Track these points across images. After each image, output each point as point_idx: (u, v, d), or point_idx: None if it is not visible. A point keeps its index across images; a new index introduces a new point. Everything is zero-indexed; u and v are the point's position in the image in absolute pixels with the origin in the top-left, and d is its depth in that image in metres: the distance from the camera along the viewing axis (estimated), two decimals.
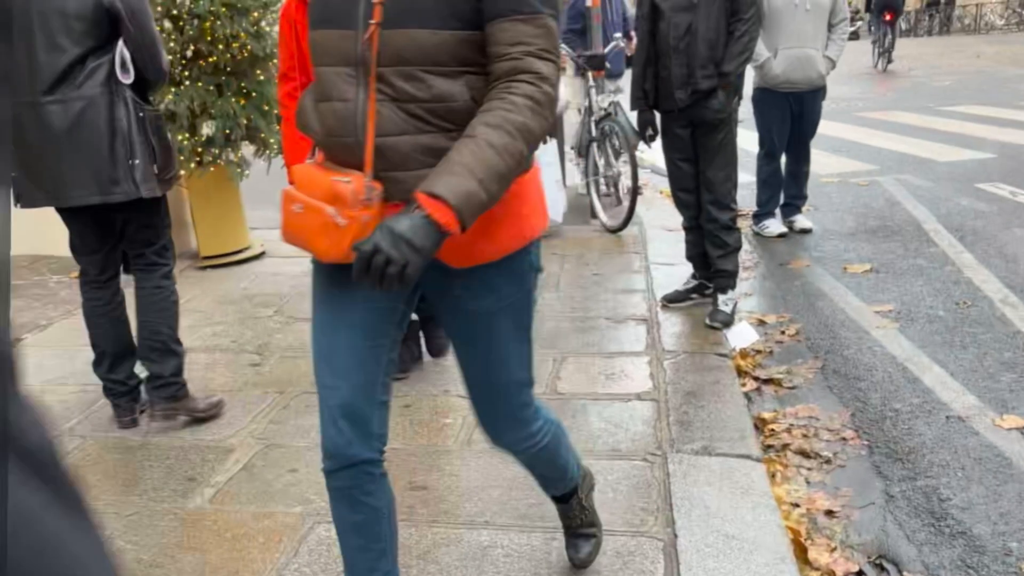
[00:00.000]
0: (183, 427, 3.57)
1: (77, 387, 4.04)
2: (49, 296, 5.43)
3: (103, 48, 3.19)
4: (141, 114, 3.26)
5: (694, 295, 4.86)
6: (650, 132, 4.70)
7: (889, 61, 20.65)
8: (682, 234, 5.01)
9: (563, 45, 7.01)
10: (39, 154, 3.17)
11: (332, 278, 1.91)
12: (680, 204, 4.79)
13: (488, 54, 1.74)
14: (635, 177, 6.19)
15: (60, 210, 3.35)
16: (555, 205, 6.44)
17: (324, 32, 1.81)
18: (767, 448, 3.46)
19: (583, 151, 7.07)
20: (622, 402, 3.66)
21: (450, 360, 4.13)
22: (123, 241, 3.51)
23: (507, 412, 2.19)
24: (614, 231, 6.47)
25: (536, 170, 1.99)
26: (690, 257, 4.90)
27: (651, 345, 4.29)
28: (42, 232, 6.00)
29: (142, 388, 3.60)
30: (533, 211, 1.98)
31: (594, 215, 6.82)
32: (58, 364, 4.35)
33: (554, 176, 6.46)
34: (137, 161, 3.22)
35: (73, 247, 3.51)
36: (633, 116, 6.63)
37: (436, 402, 3.73)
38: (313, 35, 1.84)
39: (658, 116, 4.67)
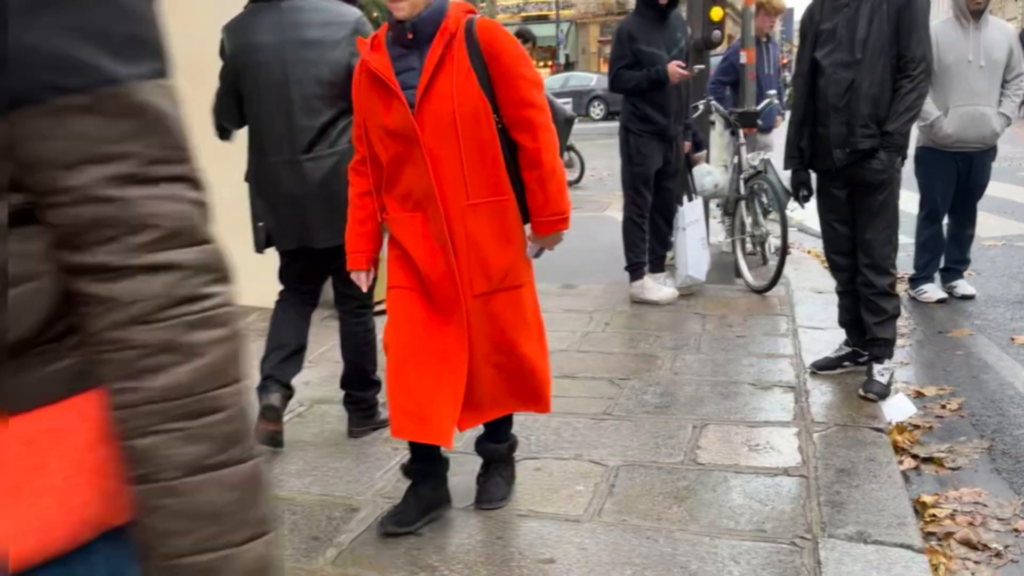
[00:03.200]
0: (311, 485, 3.53)
1: None
2: None
3: (351, 108, 3.48)
4: None
5: (846, 363, 4.58)
6: (804, 192, 4.48)
7: None
8: (832, 296, 4.76)
9: (712, 100, 6.88)
10: (294, 204, 3.60)
11: None
12: (834, 268, 4.55)
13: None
14: (785, 236, 5.95)
15: (285, 252, 3.80)
16: (699, 264, 6.26)
17: None
18: (928, 536, 3.17)
19: (730, 209, 6.86)
20: (768, 476, 3.43)
21: (581, 423, 3.99)
22: (334, 277, 3.87)
23: None
24: (760, 291, 6.23)
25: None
26: (843, 323, 4.63)
27: (799, 415, 4.04)
28: None
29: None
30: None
31: (739, 274, 6.59)
32: None
33: (699, 234, 6.29)
34: None
35: (284, 277, 3.91)
36: (784, 174, 6.47)
37: (567, 467, 3.59)
38: None
39: (813, 176, 4.46)
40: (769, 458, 3.60)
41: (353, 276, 3.13)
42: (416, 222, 2.89)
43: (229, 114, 3.73)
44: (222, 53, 3.68)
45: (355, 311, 3.88)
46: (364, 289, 3.18)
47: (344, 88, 3.41)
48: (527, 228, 2.99)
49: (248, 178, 3.81)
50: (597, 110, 28.77)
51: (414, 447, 3.09)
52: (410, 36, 2.78)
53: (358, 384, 3.95)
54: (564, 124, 3.14)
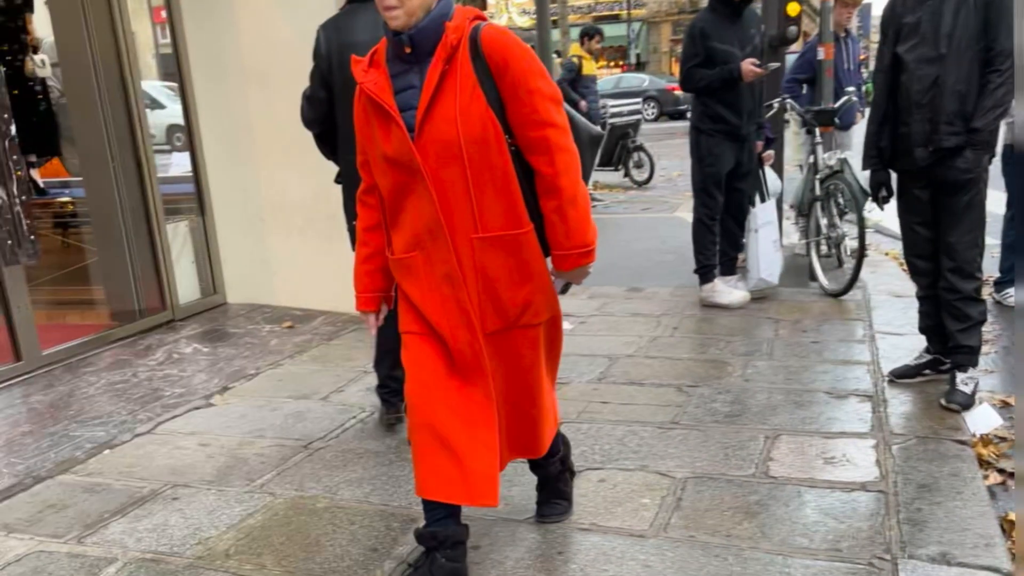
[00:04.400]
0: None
1: (275, 441, 4.04)
2: (261, 345, 5.55)
3: None
4: None
5: (927, 371, 4.37)
6: (883, 193, 4.29)
7: None
8: (912, 300, 4.55)
9: (787, 98, 6.69)
10: None
11: None
12: (915, 272, 4.35)
13: None
14: (862, 238, 5.74)
15: None
16: (771, 267, 6.07)
17: None
18: (1016, 557, 2.98)
19: (804, 210, 6.65)
20: (844, 491, 3.27)
21: (647, 432, 3.86)
22: None
23: None
24: (835, 295, 6.02)
25: None
26: (924, 329, 4.42)
27: (877, 426, 3.86)
28: (258, 283, 6.21)
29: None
30: None
31: (813, 277, 6.38)
32: (260, 416, 4.38)
33: (771, 236, 6.10)
34: None
35: None
36: (861, 174, 6.25)
37: (632, 478, 3.47)
38: None
39: (893, 176, 4.27)
40: (845, 472, 3.44)
41: (362, 318, 2.88)
42: (420, 264, 2.59)
43: (318, 114, 3.72)
44: (317, 52, 3.70)
45: None
46: (373, 333, 2.92)
47: None
48: (548, 261, 2.66)
49: (339, 179, 3.85)
50: (650, 111, 28.92)
51: (431, 509, 2.69)
52: (408, 50, 2.48)
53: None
54: (589, 144, 2.78)
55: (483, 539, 3.03)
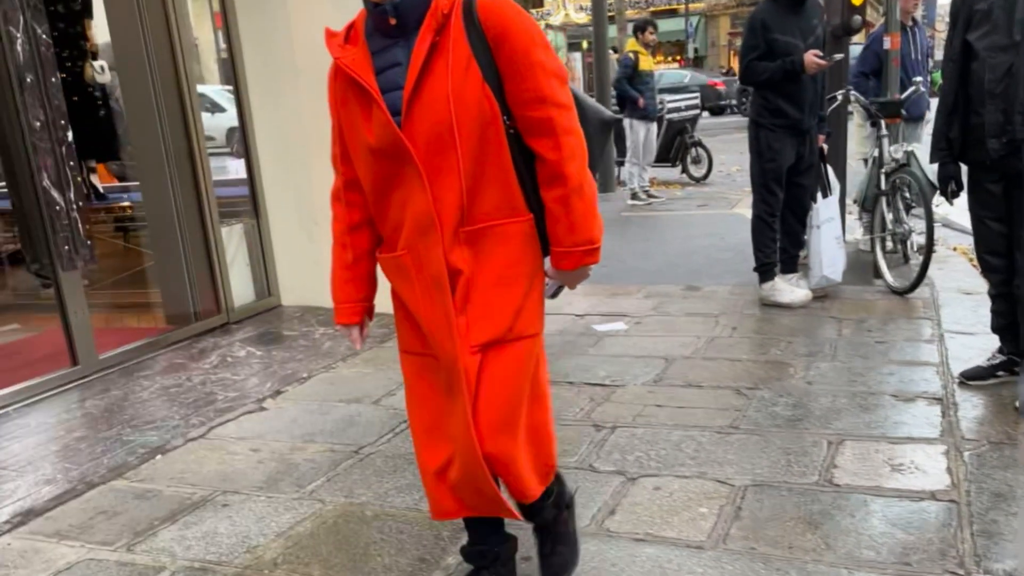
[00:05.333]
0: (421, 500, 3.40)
1: (325, 446, 4.00)
2: (314, 348, 5.52)
3: None
4: None
5: (1001, 373, 4.19)
6: (953, 187, 4.12)
7: None
8: (982, 298, 4.37)
9: (851, 89, 6.51)
10: None
11: None
12: (987, 268, 4.17)
13: None
14: (930, 233, 5.55)
15: None
16: (834, 264, 5.90)
17: None
18: None
19: (868, 205, 6.45)
20: (912, 501, 3.12)
21: (705, 437, 3.74)
22: None
23: None
24: (901, 293, 5.82)
25: None
26: (997, 329, 4.23)
27: (947, 431, 3.70)
28: (312, 285, 6.20)
29: None
30: None
31: (878, 275, 6.18)
32: (311, 420, 4.34)
33: (834, 232, 5.92)
34: None
35: None
36: (928, 167, 6.03)
37: (689, 486, 3.35)
38: None
39: (963, 170, 4.10)
40: (914, 480, 3.28)
41: (343, 332, 2.55)
42: (410, 265, 2.27)
43: None
44: None
45: None
46: (358, 347, 2.60)
47: None
48: (547, 262, 2.35)
49: None
50: None
51: (471, 527, 2.59)
52: (393, 22, 2.15)
53: None
54: (600, 128, 2.47)
55: (534, 549, 2.94)
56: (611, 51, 14.62)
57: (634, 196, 11.15)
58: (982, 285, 5.85)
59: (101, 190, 7.78)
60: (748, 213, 6.19)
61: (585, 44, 29.63)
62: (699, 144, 12.97)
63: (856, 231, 7.26)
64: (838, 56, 5.92)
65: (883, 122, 6.13)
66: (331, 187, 2.45)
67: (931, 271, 5.78)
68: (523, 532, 2.73)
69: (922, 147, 6.28)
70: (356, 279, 2.46)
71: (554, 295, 2.45)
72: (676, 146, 12.88)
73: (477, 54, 2.12)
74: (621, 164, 12.24)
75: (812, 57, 5.44)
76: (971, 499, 3.10)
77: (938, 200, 5.42)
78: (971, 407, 3.95)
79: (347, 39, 2.26)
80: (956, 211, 5.80)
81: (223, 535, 3.23)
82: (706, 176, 12.91)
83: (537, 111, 2.16)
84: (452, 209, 2.18)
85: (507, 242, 2.24)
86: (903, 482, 3.27)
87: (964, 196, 4.17)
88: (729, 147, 15.21)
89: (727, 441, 3.73)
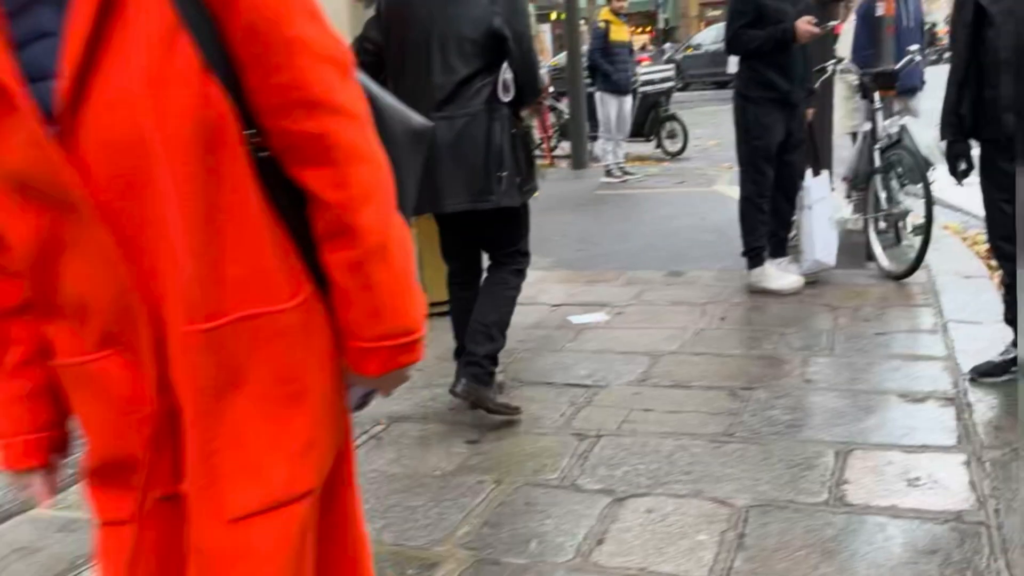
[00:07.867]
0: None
1: None
2: None
3: (488, 69, 3.55)
4: (514, 130, 3.62)
5: (1015, 368, 3.86)
6: (963, 166, 3.78)
7: None
8: (984, 282, 4.07)
9: (842, 59, 6.17)
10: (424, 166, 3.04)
11: None
12: (1001, 256, 3.84)
13: None
14: (929, 212, 5.21)
15: (436, 216, 3.76)
16: (828, 246, 5.55)
17: None
18: None
19: (860, 183, 6.09)
20: (936, 523, 2.78)
21: (698, 446, 3.38)
22: (484, 244, 3.90)
23: None
24: (897, 277, 5.49)
25: None
26: (1011, 320, 3.90)
27: (964, 437, 3.36)
28: None
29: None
30: None
31: (870, 257, 5.84)
32: None
33: (827, 213, 5.57)
34: (504, 173, 3.55)
35: (444, 250, 3.98)
36: (920, 140, 5.69)
37: (685, 507, 2.99)
38: None
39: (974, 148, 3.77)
40: (934, 497, 2.94)
41: (17, 482, 1.46)
42: (116, 373, 1.31)
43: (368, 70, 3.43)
44: (378, 13, 3.73)
45: (515, 272, 3.83)
46: (43, 504, 1.53)
47: (483, 47, 3.50)
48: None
49: None
50: None
51: None
52: None
53: (477, 336, 3.70)
54: (411, 145, 1.55)
55: None
56: (581, 21, 14.13)
57: (608, 173, 10.77)
58: (980, 268, 5.55)
59: None
60: (728, 190, 5.85)
61: (554, 15, 29.06)
62: (674, 117, 12.58)
63: (844, 210, 6.91)
64: (832, 23, 5.56)
65: (876, 95, 5.76)
66: None
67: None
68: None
69: (917, 122, 5.98)
70: (30, 397, 1.42)
71: (360, 406, 1.55)
72: (650, 120, 12.48)
73: (190, 19, 1.18)
74: (594, 139, 11.83)
75: (805, 24, 5.06)
76: (1001, 521, 2.76)
77: (932, 176, 5.13)
78: (987, 408, 3.63)
79: None
80: (947, 188, 5.48)
81: None
82: (682, 151, 12.52)
83: (302, 121, 1.26)
84: (170, 293, 1.25)
85: (272, 343, 1.31)
86: (923, 500, 2.93)
87: (975, 176, 3.84)
88: (704, 120, 14.82)
89: (723, 452, 3.37)
